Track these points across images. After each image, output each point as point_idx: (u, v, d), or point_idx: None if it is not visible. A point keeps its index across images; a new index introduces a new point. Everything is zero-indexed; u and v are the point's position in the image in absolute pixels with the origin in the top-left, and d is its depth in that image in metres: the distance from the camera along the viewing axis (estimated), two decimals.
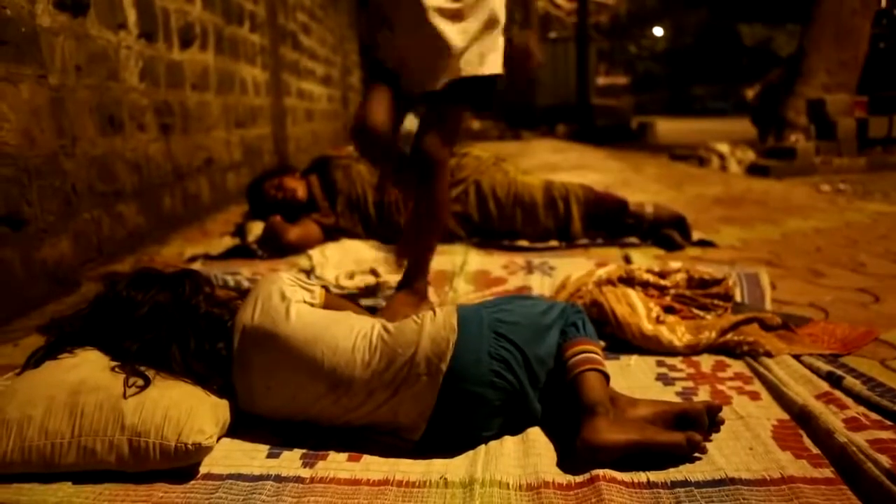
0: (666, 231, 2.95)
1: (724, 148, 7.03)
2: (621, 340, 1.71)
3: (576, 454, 1.12)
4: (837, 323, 1.83)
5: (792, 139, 6.72)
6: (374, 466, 1.15)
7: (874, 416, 1.26)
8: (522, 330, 1.24)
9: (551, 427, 1.25)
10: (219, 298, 1.35)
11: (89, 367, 1.20)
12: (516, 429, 1.23)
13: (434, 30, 1.66)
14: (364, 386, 1.19)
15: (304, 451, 1.19)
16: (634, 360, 1.63)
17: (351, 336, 1.23)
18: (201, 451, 1.12)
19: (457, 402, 1.18)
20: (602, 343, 1.40)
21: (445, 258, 2.73)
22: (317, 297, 1.34)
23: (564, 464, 1.14)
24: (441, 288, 2.30)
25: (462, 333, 1.20)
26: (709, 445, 1.16)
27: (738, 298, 2.10)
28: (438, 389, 1.17)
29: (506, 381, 1.19)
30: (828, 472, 1.09)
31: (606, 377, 1.24)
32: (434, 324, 1.23)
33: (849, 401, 1.32)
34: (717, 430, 1.22)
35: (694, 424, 1.20)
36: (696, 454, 1.13)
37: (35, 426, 1.11)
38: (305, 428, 1.24)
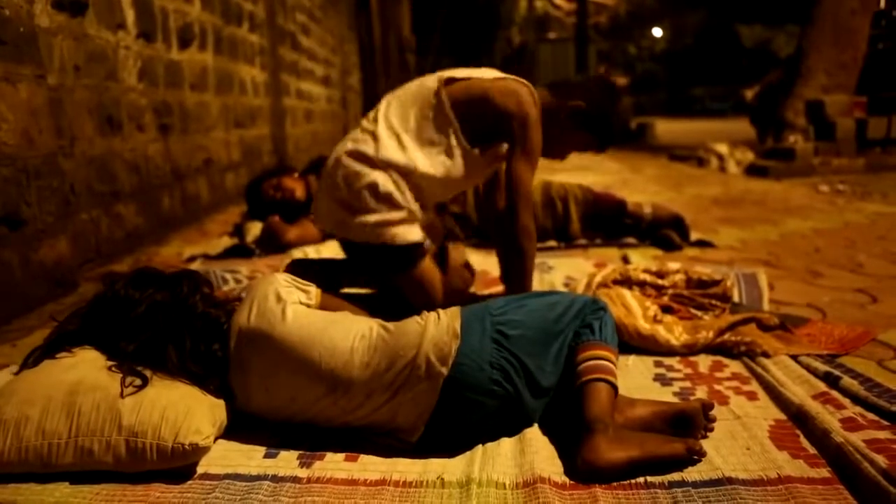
0: (664, 231, 2.96)
1: (723, 149, 7.04)
2: (619, 341, 1.71)
3: (576, 473, 1.10)
4: (835, 323, 1.83)
5: (791, 140, 6.73)
6: (371, 466, 1.15)
7: (871, 416, 1.26)
8: (525, 341, 1.21)
9: (555, 426, 1.24)
10: (216, 299, 1.35)
11: (87, 366, 1.20)
12: (513, 430, 1.23)
13: None
14: (363, 387, 1.19)
15: (301, 451, 1.19)
16: (632, 360, 1.63)
17: (349, 337, 1.22)
18: (198, 451, 1.12)
19: (455, 407, 1.18)
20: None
21: None
22: (312, 297, 1.34)
23: (561, 462, 1.14)
24: None
25: (464, 340, 1.19)
26: (706, 445, 1.16)
27: (735, 299, 2.10)
28: (438, 394, 1.17)
29: (504, 390, 1.19)
30: (825, 472, 1.09)
31: (614, 387, 1.20)
32: (437, 327, 1.21)
33: (846, 401, 1.33)
34: (712, 429, 1.22)
35: (691, 423, 1.20)
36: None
37: (32, 426, 1.10)
38: (303, 428, 1.24)
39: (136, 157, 3.08)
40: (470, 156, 1.75)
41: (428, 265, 1.79)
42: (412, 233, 1.73)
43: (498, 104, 1.71)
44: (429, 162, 1.72)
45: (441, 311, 1.27)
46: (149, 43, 3.27)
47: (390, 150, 1.69)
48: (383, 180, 1.68)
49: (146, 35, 3.23)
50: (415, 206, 1.73)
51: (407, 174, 1.70)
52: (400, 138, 1.72)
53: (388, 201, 1.69)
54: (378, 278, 1.86)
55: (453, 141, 1.72)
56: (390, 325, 1.26)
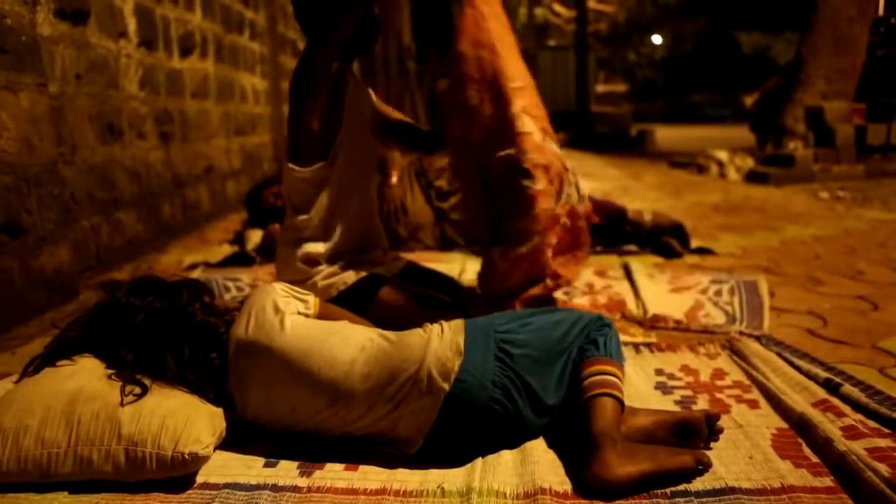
0: (665, 239, 2.96)
1: (722, 155, 7.05)
2: None
3: (586, 489, 1.08)
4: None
5: (790, 146, 6.74)
6: (371, 476, 1.14)
7: (872, 423, 1.26)
8: (530, 360, 1.20)
9: (557, 437, 1.23)
10: (216, 308, 1.34)
11: (87, 375, 1.19)
12: (514, 444, 1.22)
13: None
14: (364, 399, 1.18)
15: (301, 460, 1.19)
16: (633, 368, 1.63)
17: (348, 348, 1.21)
18: (198, 460, 1.11)
19: (455, 423, 1.17)
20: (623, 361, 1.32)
21: (444, 266, 2.73)
22: (311, 306, 1.33)
23: (562, 472, 1.13)
24: None
25: (468, 356, 1.18)
26: (709, 454, 1.15)
27: (735, 306, 2.11)
28: (439, 408, 1.16)
29: (505, 409, 1.18)
30: (828, 481, 1.09)
31: (621, 402, 1.18)
32: (441, 342, 1.20)
33: (846, 408, 1.32)
34: (717, 439, 1.21)
35: (693, 433, 1.19)
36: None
37: (32, 435, 1.10)
38: (303, 438, 1.23)
39: (136, 164, 3.09)
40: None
41: (384, 293, 1.76)
42: (353, 274, 1.76)
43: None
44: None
45: (445, 324, 1.26)
46: (150, 51, 3.28)
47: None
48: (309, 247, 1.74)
49: (147, 43, 3.24)
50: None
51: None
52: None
53: (314, 263, 1.74)
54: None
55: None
56: (392, 335, 1.25)
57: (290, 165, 1.70)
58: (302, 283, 1.62)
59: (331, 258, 1.75)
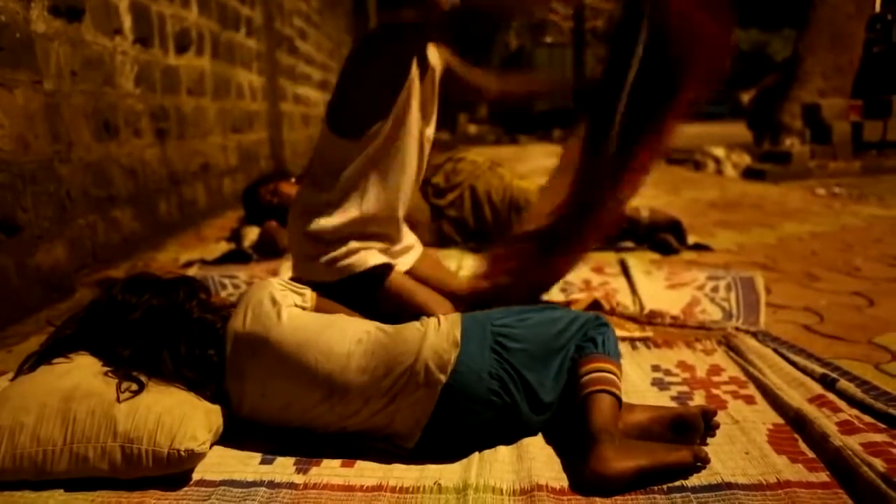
0: (661, 235, 2.96)
1: (719, 152, 7.06)
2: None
3: (584, 484, 1.08)
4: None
5: (787, 143, 6.75)
6: (367, 472, 1.14)
7: (867, 418, 1.26)
8: (526, 355, 1.20)
9: (554, 434, 1.23)
10: (213, 305, 1.34)
11: (82, 372, 1.19)
12: (511, 440, 1.22)
13: None
14: (360, 393, 1.18)
15: (297, 457, 1.19)
16: (629, 364, 1.63)
17: (345, 341, 1.21)
18: (194, 457, 1.11)
19: (452, 416, 1.17)
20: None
21: None
22: (308, 300, 1.33)
23: (559, 468, 1.13)
24: None
25: (464, 349, 1.18)
26: (705, 450, 1.15)
27: (732, 302, 2.11)
28: (436, 401, 1.16)
29: (502, 401, 1.18)
30: (824, 476, 1.09)
31: (618, 399, 1.18)
32: (438, 334, 1.20)
33: (842, 404, 1.32)
34: (713, 435, 1.22)
35: (690, 428, 1.19)
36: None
37: (27, 433, 1.10)
38: (299, 434, 1.23)
39: (132, 162, 3.08)
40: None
41: (396, 279, 1.76)
42: (371, 258, 1.74)
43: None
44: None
45: (442, 318, 1.26)
46: (146, 48, 3.26)
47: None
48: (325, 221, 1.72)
49: (143, 40, 3.23)
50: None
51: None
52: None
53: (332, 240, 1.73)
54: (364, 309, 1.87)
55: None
56: (388, 328, 1.25)
57: (332, 133, 1.68)
58: (315, 259, 1.67)
59: (340, 238, 1.72)
